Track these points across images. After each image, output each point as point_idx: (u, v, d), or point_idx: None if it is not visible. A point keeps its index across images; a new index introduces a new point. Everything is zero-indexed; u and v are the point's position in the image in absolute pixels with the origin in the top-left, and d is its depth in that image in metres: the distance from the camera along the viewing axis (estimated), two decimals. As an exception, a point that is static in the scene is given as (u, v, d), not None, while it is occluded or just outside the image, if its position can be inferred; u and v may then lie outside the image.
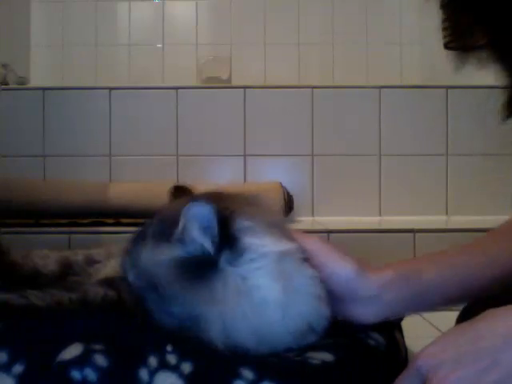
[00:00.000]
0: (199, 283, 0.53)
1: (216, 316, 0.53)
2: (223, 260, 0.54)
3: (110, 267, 0.72)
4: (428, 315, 1.20)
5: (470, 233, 1.26)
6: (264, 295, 0.54)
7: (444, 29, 2.17)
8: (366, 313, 0.59)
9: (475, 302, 0.63)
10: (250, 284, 0.54)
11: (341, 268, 0.59)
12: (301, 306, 0.56)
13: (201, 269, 0.54)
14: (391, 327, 0.68)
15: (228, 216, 0.55)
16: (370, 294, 0.59)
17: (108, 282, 0.65)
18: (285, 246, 0.56)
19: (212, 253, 0.54)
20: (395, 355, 0.64)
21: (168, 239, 0.55)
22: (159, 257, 0.55)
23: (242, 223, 0.55)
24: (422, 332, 1.08)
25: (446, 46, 2.27)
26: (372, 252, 1.26)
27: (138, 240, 0.58)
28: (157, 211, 0.60)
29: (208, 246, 0.54)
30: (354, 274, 0.58)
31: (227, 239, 0.54)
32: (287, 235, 0.59)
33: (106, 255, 0.78)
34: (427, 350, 0.47)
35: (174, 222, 0.55)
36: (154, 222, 0.58)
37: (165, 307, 0.55)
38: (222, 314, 0.53)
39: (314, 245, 0.59)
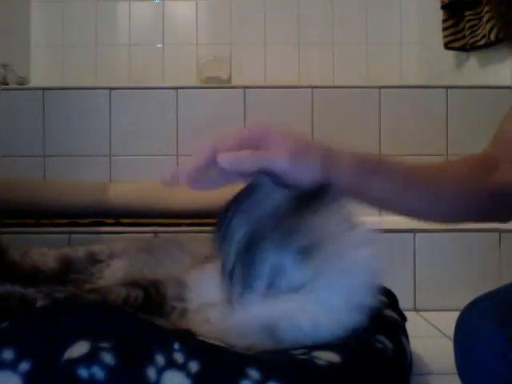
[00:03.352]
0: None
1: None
2: None
3: (114, 267, 0.72)
4: (428, 315, 1.20)
5: (470, 233, 1.26)
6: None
7: (444, 29, 2.18)
8: None
9: (475, 303, 0.63)
10: None
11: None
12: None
13: None
14: (397, 330, 0.68)
15: None
16: None
17: (134, 283, 0.65)
18: None
19: None
20: (402, 360, 0.64)
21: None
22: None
23: None
24: (422, 332, 1.08)
25: (446, 46, 2.28)
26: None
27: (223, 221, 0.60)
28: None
29: None
30: None
31: None
32: None
33: (109, 254, 0.77)
34: None
35: None
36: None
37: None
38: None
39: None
